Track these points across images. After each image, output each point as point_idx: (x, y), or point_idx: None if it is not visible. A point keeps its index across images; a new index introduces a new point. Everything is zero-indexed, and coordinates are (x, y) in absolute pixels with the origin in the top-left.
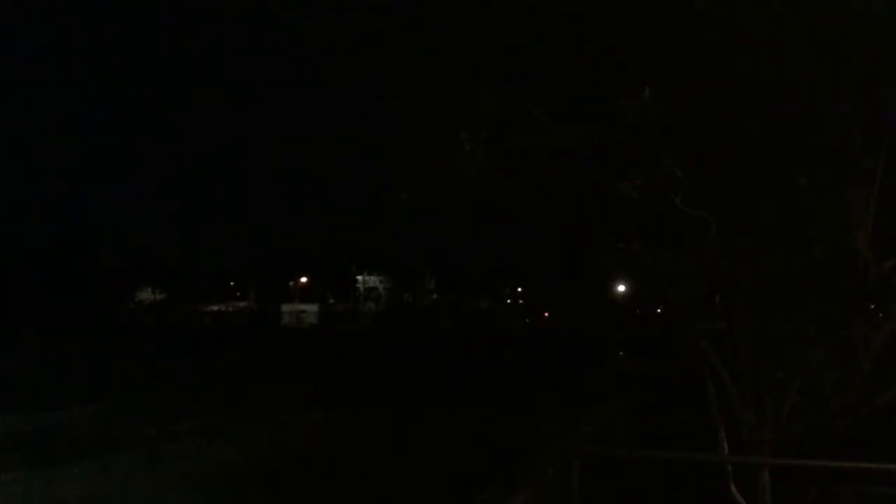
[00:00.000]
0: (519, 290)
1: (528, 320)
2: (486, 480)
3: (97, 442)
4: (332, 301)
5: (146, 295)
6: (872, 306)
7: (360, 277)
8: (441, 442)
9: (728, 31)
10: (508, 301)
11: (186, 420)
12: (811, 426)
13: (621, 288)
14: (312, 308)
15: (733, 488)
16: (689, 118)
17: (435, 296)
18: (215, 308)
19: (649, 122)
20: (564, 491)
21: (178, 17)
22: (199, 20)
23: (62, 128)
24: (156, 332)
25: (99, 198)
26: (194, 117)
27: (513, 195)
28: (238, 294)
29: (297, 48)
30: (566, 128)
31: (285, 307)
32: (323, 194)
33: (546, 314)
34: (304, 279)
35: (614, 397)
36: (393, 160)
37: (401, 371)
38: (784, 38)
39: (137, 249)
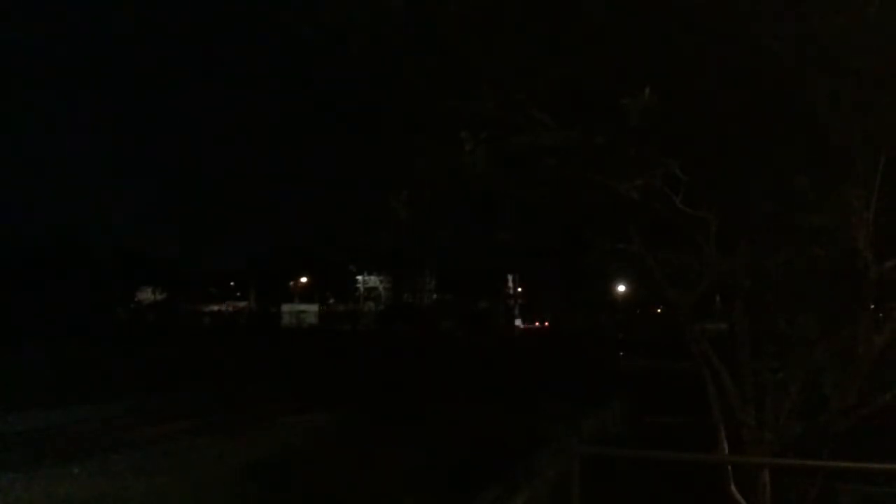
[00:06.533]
0: (519, 289)
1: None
2: (486, 480)
3: (97, 441)
4: (332, 301)
5: (146, 295)
6: (872, 306)
7: (360, 277)
8: (441, 442)
9: (728, 32)
10: (511, 301)
11: (187, 420)
12: (811, 426)
13: (621, 288)
14: (312, 308)
15: (733, 488)
16: (689, 118)
17: (435, 296)
18: (215, 308)
19: (649, 123)
20: (564, 491)
21: (184, 15)
22: (205, 20)
23: (61, 127)
24: (155, 332)
25: (98, 197)
26: (194, 115)
27: (513, 195)
28: (238, 294)
29: (298, 49)
30: (566, 128)
31: (285, 307)
32: (323, 194)
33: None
34: (303, 279)
35: (615, 398)
36: (393, 160)
37: (400, 371)
38: (784, 39)
39: (138, 249)
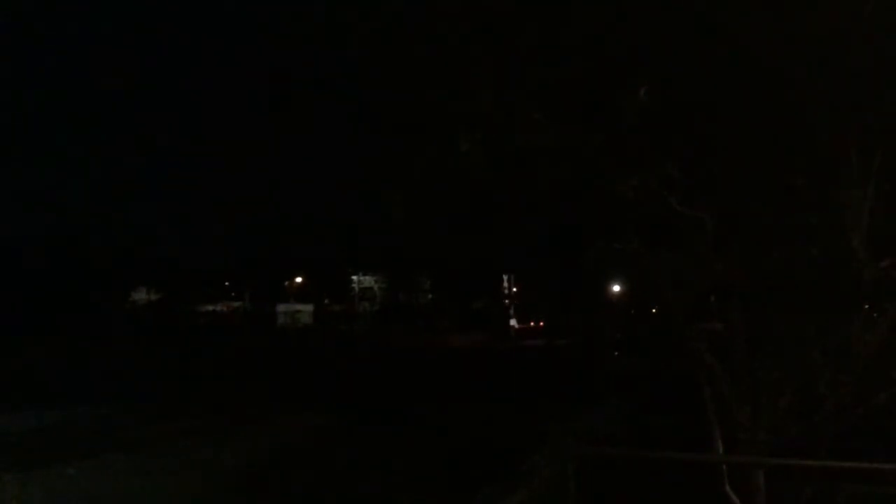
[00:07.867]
0: (514, 290)
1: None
2: (482, 480)
3: (95, 442)
4: (327, 301)
5: (141, 295)
6: (867, 306)
7: (355, 277)
8: (439, 443)
9: (726, 32)
10: (507, 301)
11: (184, 420)
12: (806, 426)
13: (617, 288)
14: (308, 308)
15: (728, 488)
16: (686, 119)
17: (430, 296)
18: (210, 308)
19: (646, 123)
20: (561, 491)
21: (180, 14)
22: (204, 19)
23: (58, 125)
24: (151, 332)
25: (95, 196)
26: (192, 114)
27: (510, 195)
28: (233, 294)
29: (297, 48)
30: (563, 128)
31: (281, 307)
32: (320, 193)
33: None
34: (298, 279)
35: (610, 397)
36: (391, 160)
37: (398, 371)
38: (782, 39)
39: (133, 249)
